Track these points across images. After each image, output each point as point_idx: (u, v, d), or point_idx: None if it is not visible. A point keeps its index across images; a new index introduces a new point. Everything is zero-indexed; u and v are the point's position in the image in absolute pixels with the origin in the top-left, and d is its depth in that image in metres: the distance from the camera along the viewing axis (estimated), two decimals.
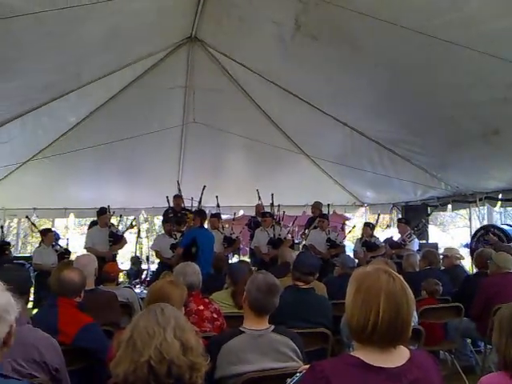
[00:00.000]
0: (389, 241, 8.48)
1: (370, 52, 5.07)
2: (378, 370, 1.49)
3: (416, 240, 8.09)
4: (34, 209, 9.71)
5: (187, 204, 8.83)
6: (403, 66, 5.08)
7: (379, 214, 9.73)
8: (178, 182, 8.80)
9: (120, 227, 8.45)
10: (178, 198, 8.62)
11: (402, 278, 1.60)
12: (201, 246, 6.66)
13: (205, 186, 8.46)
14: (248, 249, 9.85)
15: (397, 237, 8.43)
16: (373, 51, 5.03)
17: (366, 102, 6.44)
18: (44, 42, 4.70)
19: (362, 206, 11.39)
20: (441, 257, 6.25)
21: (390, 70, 5.27)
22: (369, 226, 8.61)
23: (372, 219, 9.96)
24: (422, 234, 8.91)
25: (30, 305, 4.15)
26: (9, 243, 8.70)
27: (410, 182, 8.30)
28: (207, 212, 8.51)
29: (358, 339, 1.56)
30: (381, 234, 9.46)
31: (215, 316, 3.45)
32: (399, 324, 1.51)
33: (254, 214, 9.62)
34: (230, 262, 8.34)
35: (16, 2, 3.55)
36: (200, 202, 8.64)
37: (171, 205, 8.56)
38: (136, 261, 10.03)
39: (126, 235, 8.44)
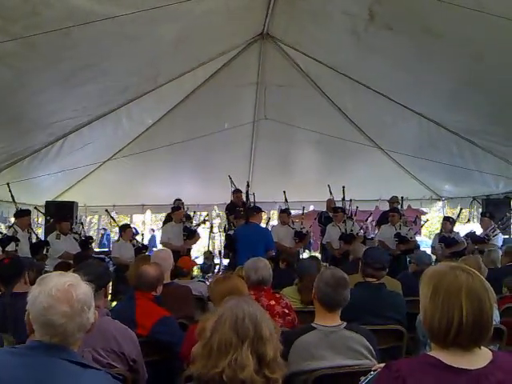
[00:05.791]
0: (471, 235, 8.03)
1: (447, 40, 4.83)
2: (458, 372, 1.42)
3: (500, 235, 7.62)
4: (114, 205, 10.15)
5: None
6: (484, 54, 4.77)
7: (461, 209, 9.27)
8: (229, 176, 8.45)
9: (194, 223, 8.64)
10: (237, 192, 8.61)
11: (479, 274, 1.52)
12: (239, 241, 6.68)
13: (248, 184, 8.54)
14: (319, 244, 9.77)
15: (479, 231, 8.00)
16: (450, 39, 4.79)
17: (442, 92, 6.16)
18: (122, 45, 4.91)
19: (439, 199, 10.92)
20: None
21: (468, 57, 4.98)
22: (448, 221, 8.15)
23: (450, 213, 9.50)
24: (507, 228, 8.41)
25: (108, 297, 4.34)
26: (91, 237, 9.15)
27: (491, 174, 7.88)
28: (277, 207, 8.45)
29: (440, 342, 1.49)
30: (461, 229, 8.97)
31: (286, 311, 3.43)
32: (484, 323, 1.44)
33: (324, 209, 9.52)
34: (301, 257, 8.35)
35: (95, 6, 3.70)
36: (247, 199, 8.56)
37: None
38: (209, 255, 10.28)
39: (200, 230, 8.64)
